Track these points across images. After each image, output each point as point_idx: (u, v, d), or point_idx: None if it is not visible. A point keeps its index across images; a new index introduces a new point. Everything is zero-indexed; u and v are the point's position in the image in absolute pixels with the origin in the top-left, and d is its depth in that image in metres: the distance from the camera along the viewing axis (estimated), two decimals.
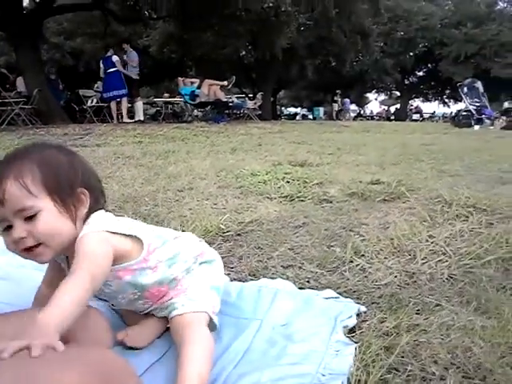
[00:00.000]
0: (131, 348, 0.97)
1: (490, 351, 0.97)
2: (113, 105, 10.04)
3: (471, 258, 1.53)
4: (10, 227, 0.86)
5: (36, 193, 0.85)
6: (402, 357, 0.95)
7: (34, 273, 1.15)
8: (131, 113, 10.38)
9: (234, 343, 0.99)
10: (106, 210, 1.00)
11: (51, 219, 0.87)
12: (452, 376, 0.89)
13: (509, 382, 0.86)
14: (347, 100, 24.18)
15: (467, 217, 2.04)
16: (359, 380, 0.85)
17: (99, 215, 0.94)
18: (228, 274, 1.45)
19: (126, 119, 9.69)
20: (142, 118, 10.21)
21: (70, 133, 6.72)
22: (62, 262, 0.98)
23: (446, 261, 1.53)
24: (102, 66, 9.77)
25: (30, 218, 0.85)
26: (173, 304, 0.98)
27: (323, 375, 0.85)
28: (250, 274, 1.47)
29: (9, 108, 8.98)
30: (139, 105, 10.45)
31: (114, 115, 10.07)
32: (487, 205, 2.20)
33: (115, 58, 9.54)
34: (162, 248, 1.00)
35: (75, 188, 0.91)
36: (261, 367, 0.88)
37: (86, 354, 0.69)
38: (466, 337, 1.03)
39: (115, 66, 9.52)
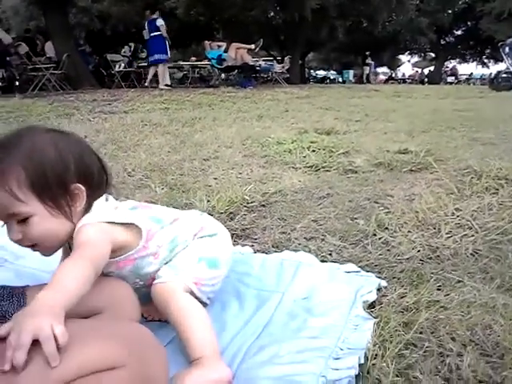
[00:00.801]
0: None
1: (511, 329, 0.97)
2: (152, 69, 10.03)
3: (498, 233, 1.51)
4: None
5: (24, 199, 0.81)
6: (421, 333, 0.97)
7: None
8: (156, 76, 10.34)
9: (255, 315, 1.03)
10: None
11: (43, 223, 0.84)
12: (470, 353, 0.90)
13: None
14: (371, 62, 23.49)
15: (497, 189, 1.99)
16: (376, 355, 0.87)
17: (99, 204, 0.92)
18: (252, 246, 1.49)
19: (161, 85, 9.68)
20: (168, 83, 10.19)
21: (99, 99, 6.81)
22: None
23: (472, 235, 1.51)
24: (146, 28, 9.66)
25: (24, 221, 0.83)
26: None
27: (341, 349, 0.88)
28: (273, 246, 1.49)
29: (40, 73, 9.13)
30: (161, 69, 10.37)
31: (149, 78, 10.06)
32: None
33: (160, 23, 9.45)
34: (161, 232, 0.98)
35: (68, 185, 0.86)
36: (280, 340, 0.92)
37: (110, 326, 0.73)
38: (487, 314, 1.03)
39: (159, 30, 9.44)
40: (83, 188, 0.87)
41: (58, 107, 5.71)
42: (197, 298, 0.95)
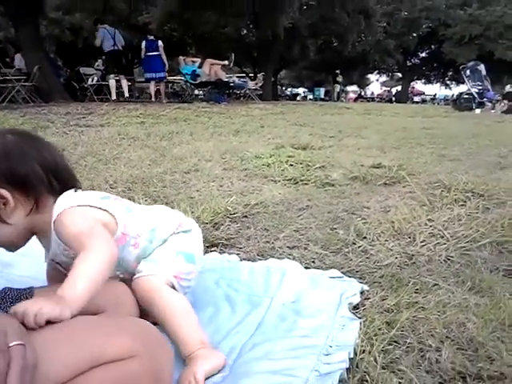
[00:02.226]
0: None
1: (483, 326, 1.06)
2: (151, 85, 10.64)
3: (468, 241, 1.61)
4: None
5: None
6: (402, 331, 1.04)
7: None
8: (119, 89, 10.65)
9: (247, 317, 1.08)
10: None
11: None
12: (447, 348, 0.98)
13: (499, 354, 0.95)
14: (341, 80, 24.34)
15: (465, 201, 2.12)
16: (364, 350, 0.94)
17: (67, 194, 0.92)
18: (237, 254, 1.54)
19: (164, 100, 10.42)
20: (114, 98, 10.28)
21: (73, 112, 6.73)
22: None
23: (444, 243, 1.61)
24: (143, 47, 10.13)
25: None
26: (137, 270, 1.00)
27: (331, 347, 0.94)
28: (258, 255, 1.55)
29: (9, 85, 8.94)
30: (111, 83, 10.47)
31: (153, 93, 10.65)
32: (484, 190, 2.28)
33: (160, 43, 10.12)
34: (137, 220, 0.99)
35: None
36: (273, 338, 0.97)
37: (119, 320, 0.77)
38: (461, 313, 1.11)
39: (158, 50, 10.06)
40: (5, 192, 0.84)
41: (30, 119, 5.62)
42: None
